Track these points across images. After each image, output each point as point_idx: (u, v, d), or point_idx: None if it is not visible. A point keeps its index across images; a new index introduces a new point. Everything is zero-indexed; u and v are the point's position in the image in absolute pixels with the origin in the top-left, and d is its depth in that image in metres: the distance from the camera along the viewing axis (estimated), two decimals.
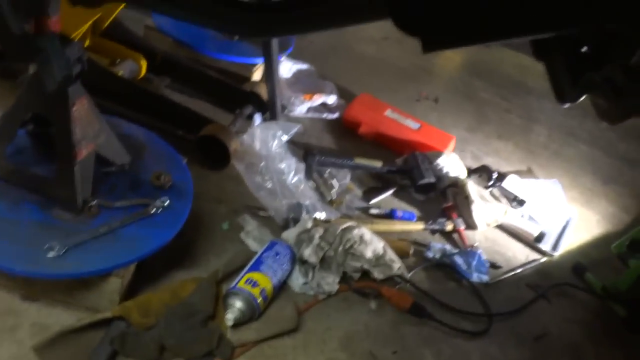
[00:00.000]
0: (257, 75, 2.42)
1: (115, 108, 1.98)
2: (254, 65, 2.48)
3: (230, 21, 1.14)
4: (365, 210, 2.08)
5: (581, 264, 2.09)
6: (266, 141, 2.01)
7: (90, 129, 1.39)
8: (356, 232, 1.80)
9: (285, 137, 2.05)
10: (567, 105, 1.12)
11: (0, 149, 1.39)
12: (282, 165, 1.95)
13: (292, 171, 1.96)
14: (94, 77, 1.78)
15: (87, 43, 2.17)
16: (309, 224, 1.80)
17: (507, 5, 0.94)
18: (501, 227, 2.20)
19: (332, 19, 1.12)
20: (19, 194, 1.42)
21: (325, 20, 1.12)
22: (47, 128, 1.49)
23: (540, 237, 2.16)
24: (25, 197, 1.42)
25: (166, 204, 1.52)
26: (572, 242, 2.23)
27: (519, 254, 2.12)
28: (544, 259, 2.11)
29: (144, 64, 2.21)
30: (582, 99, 1.10)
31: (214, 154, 1.97)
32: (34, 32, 1.07)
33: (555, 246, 2.16)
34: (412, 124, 2.49)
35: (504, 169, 2.59)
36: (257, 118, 2.16)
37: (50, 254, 1.31)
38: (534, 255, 2.13)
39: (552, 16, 0.93)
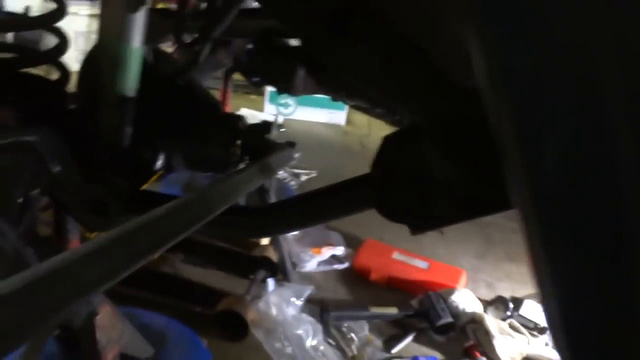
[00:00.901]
0: (265, 239, 2.53)
1: (133, 293, 2.08)
2: None
3: (230, 226, 1.26)
4: None
5: None
6: (281, 307, 2.07)
7: (113, 332, 1.47)
8: None
9: (299, 302, 2.11)
10: None
11: None
12: (299, 331, 1.99)
13: (310, 335, 2.00)
14: None
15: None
16: None
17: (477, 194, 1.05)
18: (527, 359, 2.18)
19: (326, 215, 1.24)
20: None
21: (320, 216, 1.24)
22: (73, 332, 1.57)
23: None
24: None
25: None
26: None
27: None
28: None
29: None
30: None
31: (233, 325, 2.03)
32: None
33: None
34: (421, 264, 2.55)
35: (519, 292, 2.61)
36: (270, 282, 2.23)
37: None
38: None
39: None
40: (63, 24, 1.16)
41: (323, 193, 1.23)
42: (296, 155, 1.45)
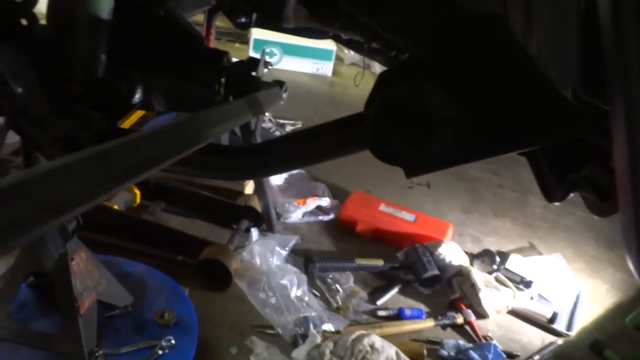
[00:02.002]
0: (249, 188, 2.46)
1: (113, 241, 2.02)
2: None
3: (216, 168, 1.18)
4: (373, 312, 2.06)
5: (599, 341, 2.05)
6: (265, 257, 2.02)
7: (90, 279, 1.40)
8: (366, 341, 1.77)
9: (283, 252, 2.06)
10: (557, 203, 1.14)
11: (3, 311, 1.39)
12: (284, 281, 1.94)
13: (294, 285, 1.96)
14: (89, 213, 1.82)
15: None
16: (318, 339, 1.77)
17: (477, 134, 0.99)
18: (512, 312, 2.17)
19: (315, 156, 1.16)
20: (26, 352, 1.41)
21: (308, 156, 1.17)
22: (48, 279, 1.50)
23: (553, 318, 2.13)
24: (32, 355, 1.41)
25: (172, 342, 1.51)
26: (585, 317, 2.20)
27: (534, 339, 2.08)
28: (561, 340, 2.07)
29: (137, 193, 2.25)
30: (570, 196, 1.12)
31: (216, 275, 1.97)
32: None
33: (569, 325, 2.13)
34: (408, 216, 2.51)
35: (505, 247, 2.60)
36: (254, 232, 2.17)
37: None
38: (549, 338, 2.08)
39: (520, 137, 0.97)
40: None
41: (312, 132, 1.16)
42: (284, 95, 1.36)
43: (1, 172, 1.80)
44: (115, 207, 2.13)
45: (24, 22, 1.05)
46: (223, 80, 1.27)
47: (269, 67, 1.43)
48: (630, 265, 0.53)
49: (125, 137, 0.61)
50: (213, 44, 2.62)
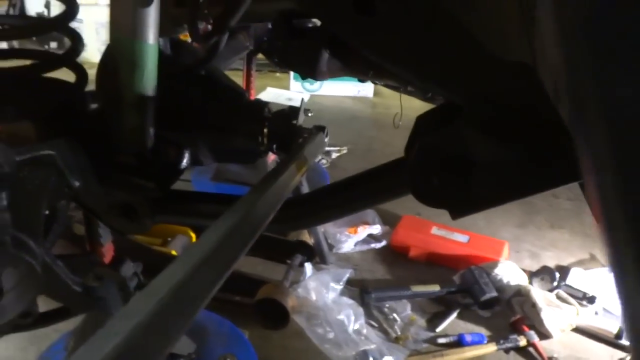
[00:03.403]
0: None
1: None
2: None
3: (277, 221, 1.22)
4: (433, 340, 2.04)
5: None
6: (321, 292, 2.05)
7: None
8: None
9: (338, 287, 2.08)
10: None
11: None
12: (341, 316, 1.96)
13: (351, 319, 1.97)
14: (150, 261, 1.90)
15: None
16: None
17: (520, 174, 0.99)
18: (577, 330, 2.11)
19: (361, 204, 1.19)
20: None
21: (354, 206, 1.19)
22: None
23: (620, 333, 2.05)
24: None
25: None
26: None
27: (602, 356, 2.01)
28: (630, 356, 1.99)
29: (193, 236, 2.33)
30: None
31: (274, 313, 2.01)
32: (94, 282, 1.17)
33: None
34: (461, 237, 2.49)
35: (564, 260, 2.53)
36: (308, 267, 2.20)
37: None
38: (618, 354, 2.01)
39: (562, 172, 0.96)
40: (83, 16, 1.11)
41: (356, 181, 1.18)
42: (326, 139, 1.39)
43: (65, 228, 1.89)
44: (173, 252, 2.21)
45: None
46: (265, 130, 1.30)
47: (309, 114, 1.47)
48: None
49: (199, 249, 0.71)
50: (255, 75, 2.70)
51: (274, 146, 1.33)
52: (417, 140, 1.06)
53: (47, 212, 1.06)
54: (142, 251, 2.07)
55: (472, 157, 0.99)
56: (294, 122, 1.37)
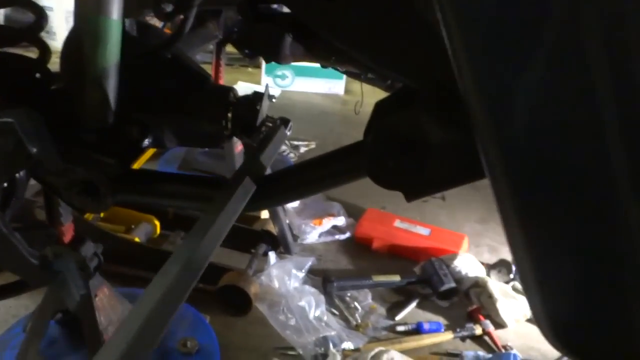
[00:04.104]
0: (265, 212, 2.51)
1: (135, 273, 2.09)
2: None
3: None
4: (392, 328, 2.09)
5: None
6: (283, 280, 2.07)
7: (113, 313, 1.46)
8: (385, 357, 1.80)
9: (300, 274, 2.11)
10: None
11: (34, 349, 1.45)
12: (302, 303, 1.99)
13: (313, 306, 2.00)
14: (112, 247, 1.89)
15: (102, 214, 2.31)
16: (338, 358, 1.82)
17: (470, 157, 1.03)
18: (531, 321, 2.18)
19: (320, 185, 1.21)
20: None
21: (313, 186, 1.22)
22: (75, 315, 1.57)
23: None
24: None
25: None
26: None
27: None
28: None
29: (157, 224, 2.33)
30: None
31: (236, 300, 2.03)
32: (52, 256, 1.18)
33: None
34: (423, 230, 2.54)
35: None
36: (272, 256, 2.23)
37: None
38: None
39: None
40: (53, 4, 1.11)
41: (316, 163, 1.21)
42: (288, 132, 1.41)
43: (27, 213, 1.88)
44: (137, 239, 2.21)
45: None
46: (230, 115, 1.32)
47: (273, 100, 1.49)
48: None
49: (147, 297, 0.76)
50: (225, 70, 2.70)
51: (238, 131, 1.35)
52: (374, 124, 1.10)
53: (5, 185, 1.07)
54: (104, 237, 2.07)
55: (427, 140, 1.03)
56: (258, 107, 1.39)
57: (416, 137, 1.03)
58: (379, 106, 1.16)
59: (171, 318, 0.78)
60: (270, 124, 1.41)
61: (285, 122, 1.38)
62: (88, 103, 1.09)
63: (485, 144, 0.60)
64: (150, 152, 2.79)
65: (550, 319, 0.65)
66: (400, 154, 1.05)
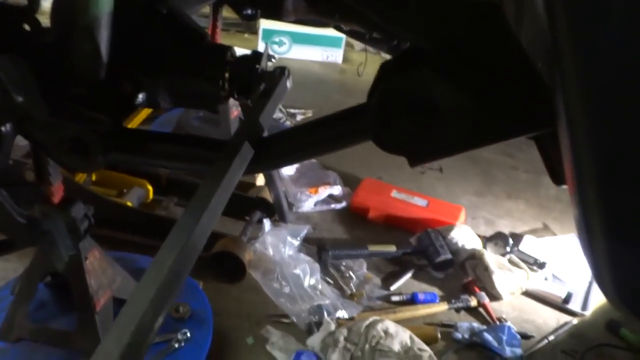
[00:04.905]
0: (260, 180, 2.47)
1: (128, 238, 2.06)
2: None
3: None
4: (387, 298, 2.07)
5: (614, 320, 2.04)
6: (278, 247, 2.04)
7: (104, 277, 1.43)
8: (380, 326, 1.79)
9: (295, 242, 2.08)
10: (564, 187, 1.13)
11: (22, 311, 1.42)
12: (297, 271, 1.96)
13: (307, 274, 1.98)
14: (104, 211, 1.85)
15: (94, 177, 2.26)
16: (332, 326, 1.79)
17: (477, 122, 0.99)
18: (526, 294, 2.17)
19: (319, 148, 1.17)
20: (46, 351, 1.45)
21: (312, 149, 1.18)
22: (64, 278, 1.53)
23: (568, 298, 2.12)
24: (52, 353, 1.45)
25: (188, 335, 1.54)
26: (600, 297, 2.18)
27: (549, 319, 2.08)
28: (576, 320, 2.07)
29: (150, 189, 2.28)
30: None
31: (230, 266, 2.00)
32: (40, 215, 1.13)
33: (584, 305, 2.12)
34: (420, 201, 2.51)
35: (519, 229, 2.59)
36: (267, 223, 2.19)
37: None
38: (564, 318, 2.08)
39: (513, 125, 0.97)
40: None
41: (317, 125, 1.16)
42: (289, 83, 1.36)
43: (17, 175, 1.83)
44: (129, 203, 2.16)
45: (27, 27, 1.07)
46: (227, 75, 1.27)
47: (273, 59, 1.43)
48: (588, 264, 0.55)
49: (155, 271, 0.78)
50: (221, 35, 2.62)
51: (235, 91, 1.30)
52: (379, 85, 1.05)
53: None
54: (95, 200, 2.02)
55: (434, 102, 0.99)
56: (257, 67, 1.34)
57: (423, 98, 0.99)
58: (385, 67, 1.11)
59: (180, 286, 0.82)
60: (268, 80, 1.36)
61: (282, 70, 1.32)
62: (78, 54, 1.03)
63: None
64: (143, 115, 2.72)
65: (619, 283, 0.60)
66: (406, 116, 1.01)
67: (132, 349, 0.69)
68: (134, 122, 2.65)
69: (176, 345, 1.51)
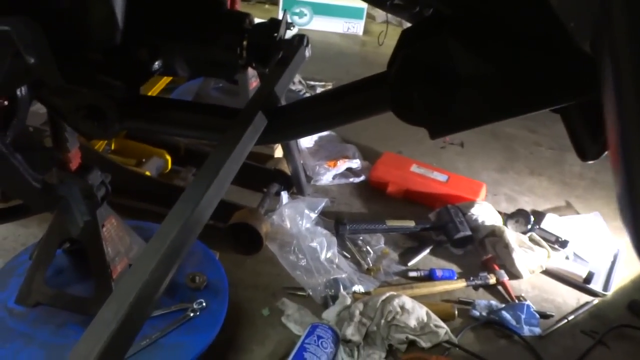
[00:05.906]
0: (279, 151, 2.45)
1: (145, 207, 2.06)
2: None
3: None
4: (404, 274, 2.05)
5: (637, 301, 2.00)
6: (295, 220, 2.03)
7: (121, 245, 1.43)
8: (396, 301, 1.77)
9: (313, 215, 2.06)
10: (590, 162, 1.09)
11: (40, 276, 1.43)
12: (314, 244, 1.95)
13: (324, 247, 1.96)
14: (122, 180, 1.85)
15: (113, 146, 2.26)
16: (348, 300, 1.78)
17: (502, 92, 0.94)
18: (547, 272, 2.13)
19: (337, 118, 1.14)
20: (63, 316, 1.46)
21: (331, 119, 1.15)
22: (82, 245, 1.54)
23: (589, 278, 2.08)
24: (69, 319, 1.46)
25: (204, 305, 1.54)
26: (623, 277, 2.15)
27: (569, 299, 2.04)
28: (597, 301, 2.03)
29: (169, 159, 2.28)
30: (605, 155, 1.06)
31: (247, 238, 2.00)
32: (56, 181, 1.13)
33: (606, 285, 2.08)
34: (440, 177, 2.47)
35: (541, 207, 2.54)
36: (284, 195, 2.18)
37: None
38: (585, 298, 2.05)
39: (543, 95, 0.92)
40: None
41: (332, 95, 1.13)
42: (307, 52, 1.32)
43: (36, 141, 1.83)
44: (147, 173, 2.16)
45: None
46: (245, 43, 1.24)
47: (291, 28, 1.39)
48: (630, 241, 0.51)
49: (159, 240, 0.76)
50: (241, 5, 2.58)
51: (254, 60, 1.27)
52: (400, 52, 1.01)
53: (5, 104, 1.01)
54: (114, 168, 2.02)
55: (456, 70, 0.95)
56: (275, 35, 1.30)
57: (445, 66, 0.95)
58: (406, 34, 1.07)
59: (183, 256, 0.80)
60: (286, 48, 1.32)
61: (301, 39, 1.29)
62: (93, 18, 1.01)
63: None
64: (162, 84, 2.71)
65: None
66: (427, 85, 0.97)
67: (130, 319, 0.68)
68: (153, 92, 2.64)
69: (192, 315, 1.52)
